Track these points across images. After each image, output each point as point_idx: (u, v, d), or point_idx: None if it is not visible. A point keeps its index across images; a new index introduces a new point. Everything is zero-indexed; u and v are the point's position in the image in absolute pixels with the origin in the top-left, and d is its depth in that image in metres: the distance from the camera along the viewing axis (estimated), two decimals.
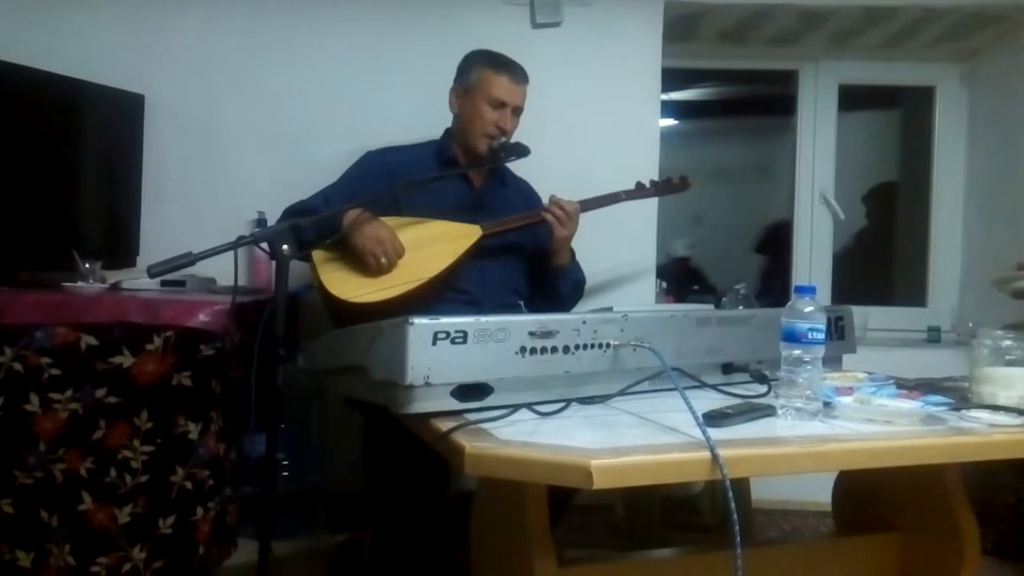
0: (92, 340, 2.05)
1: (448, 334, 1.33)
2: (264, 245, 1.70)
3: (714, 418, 1.32)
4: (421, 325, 1.31)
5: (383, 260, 2.07)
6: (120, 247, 2.71)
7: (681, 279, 4.64)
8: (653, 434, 1.29)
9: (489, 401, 1.40)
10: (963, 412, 1.46)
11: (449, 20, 2.94)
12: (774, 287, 4.08)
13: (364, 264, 2.09)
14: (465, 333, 1.35)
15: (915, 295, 3.64)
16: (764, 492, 2.93)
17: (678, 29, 3.18)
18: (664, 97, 3.15)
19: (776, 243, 4.04)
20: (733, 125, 5.28)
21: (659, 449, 1.19)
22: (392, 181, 2.18)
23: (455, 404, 1.37)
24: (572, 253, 2.40)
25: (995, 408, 1.46)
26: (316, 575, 2.33)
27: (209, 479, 2.12)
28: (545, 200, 2.46)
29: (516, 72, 2.31)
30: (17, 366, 2.03)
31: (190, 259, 1.60)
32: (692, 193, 2.63)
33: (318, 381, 1.84)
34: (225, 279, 2.44)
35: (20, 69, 2.37)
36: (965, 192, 3.50)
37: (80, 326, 2.05)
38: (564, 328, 1.45)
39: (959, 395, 1.59)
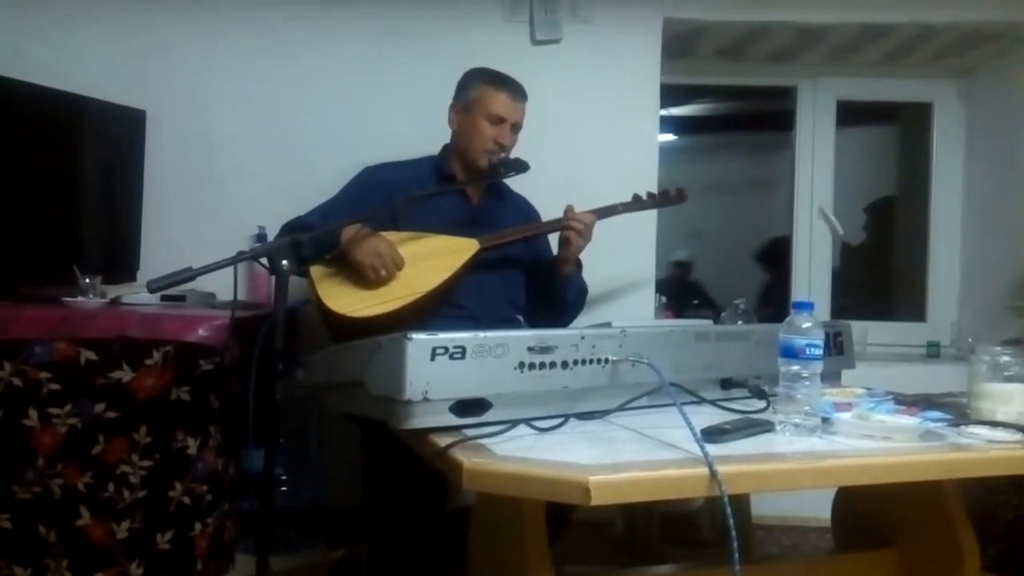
0: (92, 355, 2.05)
1: (447, 349, 1.33)
2: (264, 260, 1.70)
3: (712, 434, 1.32)
4: (420, 340, 1.31)
5: (382, 272, 2.08)
6: (120, 262, 2.71)
7: (680, 288, 4.64)
8: (651, 450, 1.29)
9: (487, 416, 1.40)
10: (962, 428, 1.47)
11: (449, 37, 2.95)
12: (774, 301, 4.08)
13: (363, 277, 2.09)
14: (464, 348, 1.35)
15: (914, 310, 3.64)
16: (764, 508, 2.92)
17: (677, 46, 3.20)
18: (663, 113, 3.16)
19: (777, 257, 4.04)
20: (732, 141, 5.29)
21: (657, 465, 1.19)
22: (390, 197, 2.18)
23: (453, 419, 1.37)
24: (579, 263, 2.41)
25: (994, 424, 1.46)
26: None
27: (207, 494, 2.11)
28: (546, 215, 2.47)
29: (516, 90, 2.33)
30: (16, 381, 2.03)
31: (190, 274, 1.60)
32: (691, 208, 2.64)
33: (317, 396, 1.84)
34: (225, 294, 2.43)
35: (21, 85, 2.38)
36: (963, 207, 3.51)
37: (80, 341, 2.05)
38: (563, 343, 1.45)
39: (958, 411, 1.58)
